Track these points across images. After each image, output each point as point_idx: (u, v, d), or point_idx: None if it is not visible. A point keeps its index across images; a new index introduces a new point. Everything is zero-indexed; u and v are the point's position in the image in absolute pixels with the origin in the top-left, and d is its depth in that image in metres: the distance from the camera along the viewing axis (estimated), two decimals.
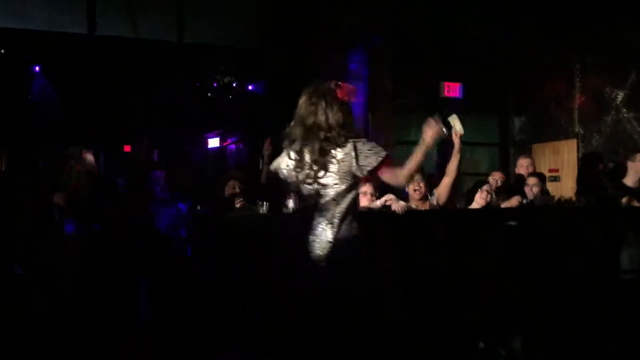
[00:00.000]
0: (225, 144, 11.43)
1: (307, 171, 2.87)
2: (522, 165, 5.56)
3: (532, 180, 5.15)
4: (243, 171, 5.75)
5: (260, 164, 5.55)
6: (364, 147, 2.85)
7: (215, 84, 9.62)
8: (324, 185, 2.84)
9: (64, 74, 7.94)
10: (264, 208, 4.29)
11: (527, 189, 5.11)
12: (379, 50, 7.65)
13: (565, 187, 5.74)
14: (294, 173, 2.93)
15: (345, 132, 2.86)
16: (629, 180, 5.17)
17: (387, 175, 2.91)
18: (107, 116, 8.82)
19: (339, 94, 2.96)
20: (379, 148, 2.89)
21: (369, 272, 2.91)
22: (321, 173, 2.84)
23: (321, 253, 2.83)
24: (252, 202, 4.47)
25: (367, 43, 7.44)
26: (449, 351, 3.98)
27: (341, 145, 2.84)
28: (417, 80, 7.98)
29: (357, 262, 2.86)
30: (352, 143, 2.84)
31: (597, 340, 4.45)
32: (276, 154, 3.12)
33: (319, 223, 2.85)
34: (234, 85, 9.58)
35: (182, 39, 7.03)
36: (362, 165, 2.82)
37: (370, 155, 2.83)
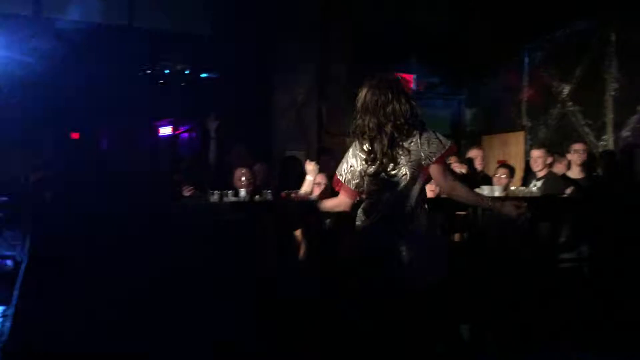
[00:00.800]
0: (177, 132, 11.23)
1: (378, 164, 2.83)
2: (476, 157, 5.81)
3: (501, 171, 5.40)
4: (188, 160, 5.71)
5: (212, 145, 5.51)
6: (430, 135, 2.83)
7: (167, 71, 9.41)
8: (394, 177, 2.81)
9: (8, 57, 7.64)
10: (214, 197, 4.24)
11: (495, 178, 5.34)
12: (335, 40, 7.66)
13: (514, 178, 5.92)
14: (361, 168, 2.90)
15: (413, 122, 2.83)
16: (572, 173, 5.37)
17: (440, 173, 2.84)
18: (54, 102, 8.54)
19: (405, 84, 2.93)
20: (444, 137, 2.87)
21: (440, 263, 2.91)
22: (391, 165, 2.80)
23: (391, 247, 2.80)
24: (201, 191, 4.41)
25: (323, 33, 7.43)
26: None
27: (410, 135, 2.81)
28: (372, 71, 8.01)
29: (431, 255, 2.84)
30: (418, 132, 2.82)
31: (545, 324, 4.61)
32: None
33: (386, 218, 2.83)
34: (187, 72, 9.40)
35: (133, 22, 6.86)
36: (430, 153, 2.79)
37: (436, 143, 2.81)
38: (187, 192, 4.38)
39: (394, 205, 2.82)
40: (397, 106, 2.81)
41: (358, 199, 3.04)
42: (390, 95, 2.82)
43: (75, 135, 9.96)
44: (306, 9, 7.18)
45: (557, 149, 6.85)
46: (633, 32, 6.21)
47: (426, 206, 2.91)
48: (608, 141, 6.49)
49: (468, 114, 8.48)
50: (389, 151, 2.79)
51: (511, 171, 5.51)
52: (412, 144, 2.80)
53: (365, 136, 2.86)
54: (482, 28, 7.94)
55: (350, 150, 2.98)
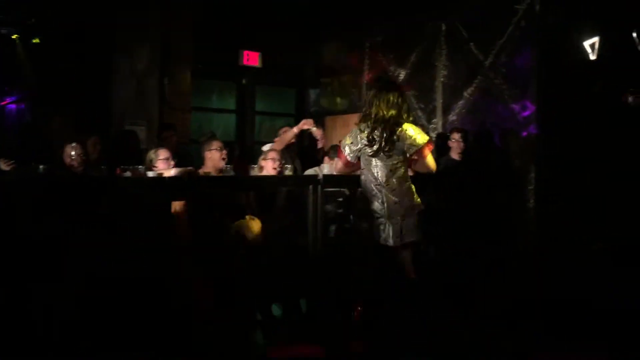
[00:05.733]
0: (3, 103, 10.25)
1: (377, 146, 3.82)
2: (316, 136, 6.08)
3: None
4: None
5: None
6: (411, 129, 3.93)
7: None
8: (388, 158, 3.86)
9: None
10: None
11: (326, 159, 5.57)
12: (179, 11, 7.39)
13: None
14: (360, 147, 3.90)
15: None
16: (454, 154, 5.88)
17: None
18: None
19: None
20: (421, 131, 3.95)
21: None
22: (387, 148, 3.80)
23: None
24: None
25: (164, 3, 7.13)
26: None
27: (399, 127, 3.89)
28: (217, 46, 7.87)
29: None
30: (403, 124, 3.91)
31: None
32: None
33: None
34: (13, 37, 8.57)
35: None
36: (411, 145, 3.92)
37: (419, 137, 3.94)
38: (6, 166, 4.02)
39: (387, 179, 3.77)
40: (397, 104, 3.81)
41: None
42: (393, 95, 3.81)
43: None
44: None
45: None
46: (460, 22, 6.71)
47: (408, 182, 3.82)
48: (437, 124, 6.99)
49: (312, 94, 8.66)
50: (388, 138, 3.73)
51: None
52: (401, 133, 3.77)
53: (369, 124, 3.79)
54: (328, 8, 8.11)
55: (354, 131, 3.90)
